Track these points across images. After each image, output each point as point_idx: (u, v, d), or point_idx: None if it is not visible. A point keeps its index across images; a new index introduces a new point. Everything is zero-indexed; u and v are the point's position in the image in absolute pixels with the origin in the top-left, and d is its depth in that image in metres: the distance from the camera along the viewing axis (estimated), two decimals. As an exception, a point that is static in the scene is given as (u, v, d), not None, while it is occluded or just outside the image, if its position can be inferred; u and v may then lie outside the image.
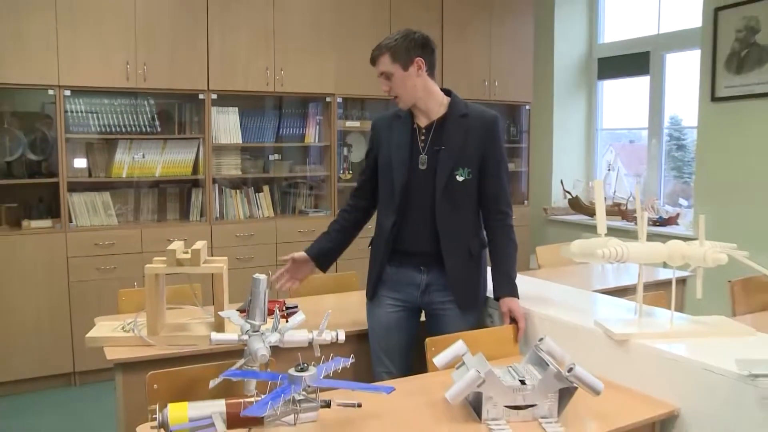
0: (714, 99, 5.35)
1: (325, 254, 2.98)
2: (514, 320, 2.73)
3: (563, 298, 2.99)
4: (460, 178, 2.71)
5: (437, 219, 2.72)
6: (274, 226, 5.54)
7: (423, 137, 2.77)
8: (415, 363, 2.81)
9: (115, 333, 2.76)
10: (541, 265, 4.48)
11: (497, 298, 2.78)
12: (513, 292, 2.76)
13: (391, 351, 2.85)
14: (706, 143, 5.46)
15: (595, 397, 2.05)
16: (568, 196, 6.94)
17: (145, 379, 2.13)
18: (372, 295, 2.89)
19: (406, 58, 2.71)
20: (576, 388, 2.01)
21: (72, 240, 4.82)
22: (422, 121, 2.79)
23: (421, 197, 2.74)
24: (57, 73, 4.71)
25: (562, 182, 7.03)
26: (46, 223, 4.86)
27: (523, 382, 2.03)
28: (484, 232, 2.85)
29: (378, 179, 2.88)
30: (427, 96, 2.76)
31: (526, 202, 6.82)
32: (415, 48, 2.72)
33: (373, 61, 2.76)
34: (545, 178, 7.17)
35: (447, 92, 2.83)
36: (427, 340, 2.53)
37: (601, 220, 2.44)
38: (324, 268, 3.01)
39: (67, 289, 4.79)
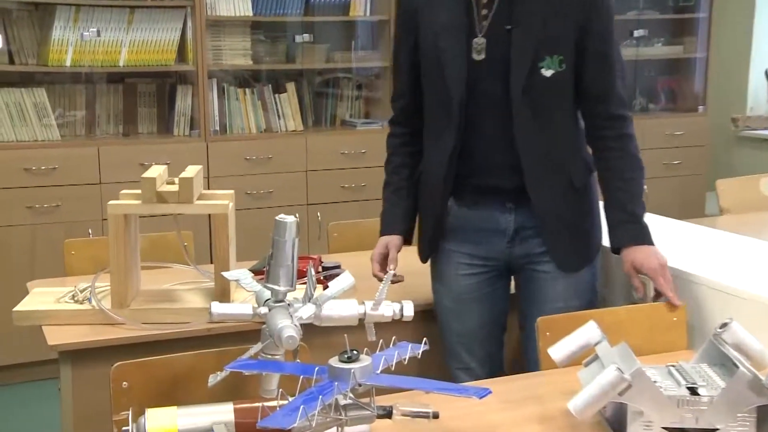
0: None
1: (410, 221, 3.06)
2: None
3: (763, 262, 3.00)
4: (547, 72, 2.72)
5: (517, 137, 2.74)
6: (303, 145, 5.60)
7: (485, 11, 2.75)
8: (515, 356, 2.88)
9: (60, 305, 2.86)
10: (725, 209, 4.45)
11: (616, 250, 2.82)
12: (639, 237, 2.78)
13: (469, 335, 2.93)
14: None
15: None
16: (775, 100, 6.82)
17: (108, 374, 2.21)
18: (432, 251, 2.97)
19: None
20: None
21: (-12, 163, 4.94)
22: None
23: (491, 105, 2.77)
24: None
25: (767, 74, 6.90)
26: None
27: (694, 390, 2.04)
28: (589, 150, 2.88)
29: (422, 84, 2.91)
30: None
31: (701, 108, 6.70)
32: None
33: None
34: (738, 70, 7.04)
35: None
36: (539, 320, 2.58)
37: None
38: (412, 237, 3.08)
39: (-19, 240, 4.94)
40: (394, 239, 3.01)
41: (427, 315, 2.96)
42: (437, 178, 2.87)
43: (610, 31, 2.78)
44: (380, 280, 2.95)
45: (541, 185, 2.78)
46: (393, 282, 2.99)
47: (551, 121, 2.77)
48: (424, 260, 3.01)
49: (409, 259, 3.16)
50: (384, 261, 3.00)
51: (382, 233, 3.04)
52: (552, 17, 2.71)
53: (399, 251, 3.02)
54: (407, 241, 3.06)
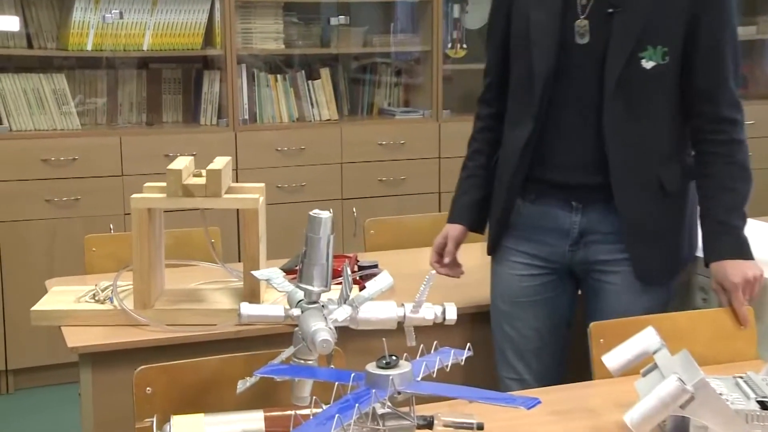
0: None
1: (479, 210, 3.05)
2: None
3: None
4: (648, 64, 2.69)
5: (606, 131, 2.72)
6: (338, 135, 5.61)
7: None
8: (569, 366, 2.88)
9: (80, 304, 2.88)
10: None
11: (708, 263, 2.78)
12: (736, 251, 2.74)
13: (522, 342, 2.92)
14: None
15: None
16: None
17: (131, 378, 2.23)
18: (494, 248, 2.95)
19: None
20: None
21: (2, 152, 4.96)
22: None
23: (579, 93, 2.75)
24: None
25: None
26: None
27: (765, 405, 2.02)
28: (691, 154, 2.85)
29: (510, 62, 2.90)
30: None
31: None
32: None
33: None
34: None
35: None
36: (592, 325, 2.57)
37: None
38: (482, 228, 3.08)
39: (-5, 234, 4.97)
40: (455, 230, 3.02)
41: (477, 318, 2.98)
42: (509, 168, 2.86)
43: (725, 23, 2.72)
44: (437, 271, 2.99)
45: (628, 186, 2.74)
46: (452, 276, 3.03)
47: (646, 117, 2.74)
48: (491, 252, 3.00)
49: (463, 256, 3.15)
50: (442, 251, 3.02)
51: (448, 220, 3.07)
52: (660, 2, 2.67)
53: (458, 243, 3.03)
54: (478, 229, 3.07)
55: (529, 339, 2.91)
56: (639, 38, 2.67)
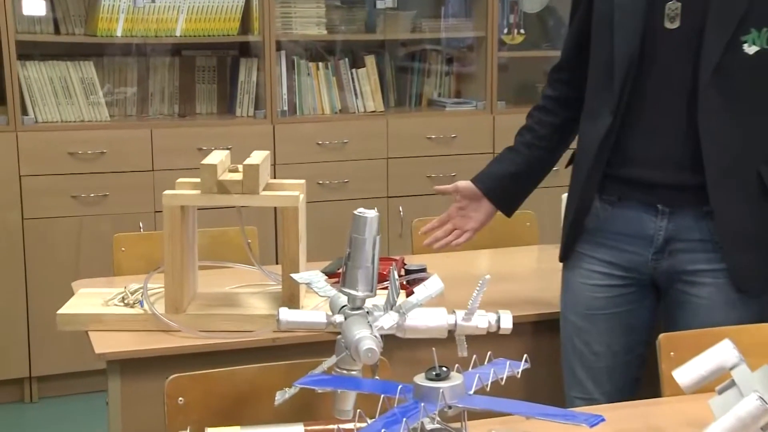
0: None
1: (507, 184, 3.03)
2: None
3: None
4: (751, 48, 2.61)
5: (701, 124, 2.65)
6: (384, 128, 5.60)
7: None
8: (643, 384, 2.85)
9: (108, 308, 2.89)
10: None
11: None
12: None
13: (593, 359, 2.87)
14: None
15: None
16: None
17: (162, 388, 2.24)
18: (566, 253, 2.92)
19: None
20: None
21: (27, 145, 4.98)
22: None
23: (666, 83, 2.69)
24: None
25: None
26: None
27: None
28: None
29: (591, 49, 2.85)
30: None
31: None
32: None
33: None
34: None
35: None
36: (662, 337, 2.54)
37: None
38: (508, 208, 3.07)
39: (20, 232, 4.98)
40: (464, 182, 3.04)
41: (539, 327, 2.97)
42: (585, 164, 2.81)
43: None
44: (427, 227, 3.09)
45: (725, 186, 2.67)
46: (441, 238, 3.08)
47: (747, 109, 2.67)
48: (563, 258, 2.95)
49: (514, 263, 3.14)
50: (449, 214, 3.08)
51: None
52: None
53: (458, 190, 3.05)
54: (501, 205, 3.06)
55: (600, 356, 2.85)
56: (742, 20, 2.59)
